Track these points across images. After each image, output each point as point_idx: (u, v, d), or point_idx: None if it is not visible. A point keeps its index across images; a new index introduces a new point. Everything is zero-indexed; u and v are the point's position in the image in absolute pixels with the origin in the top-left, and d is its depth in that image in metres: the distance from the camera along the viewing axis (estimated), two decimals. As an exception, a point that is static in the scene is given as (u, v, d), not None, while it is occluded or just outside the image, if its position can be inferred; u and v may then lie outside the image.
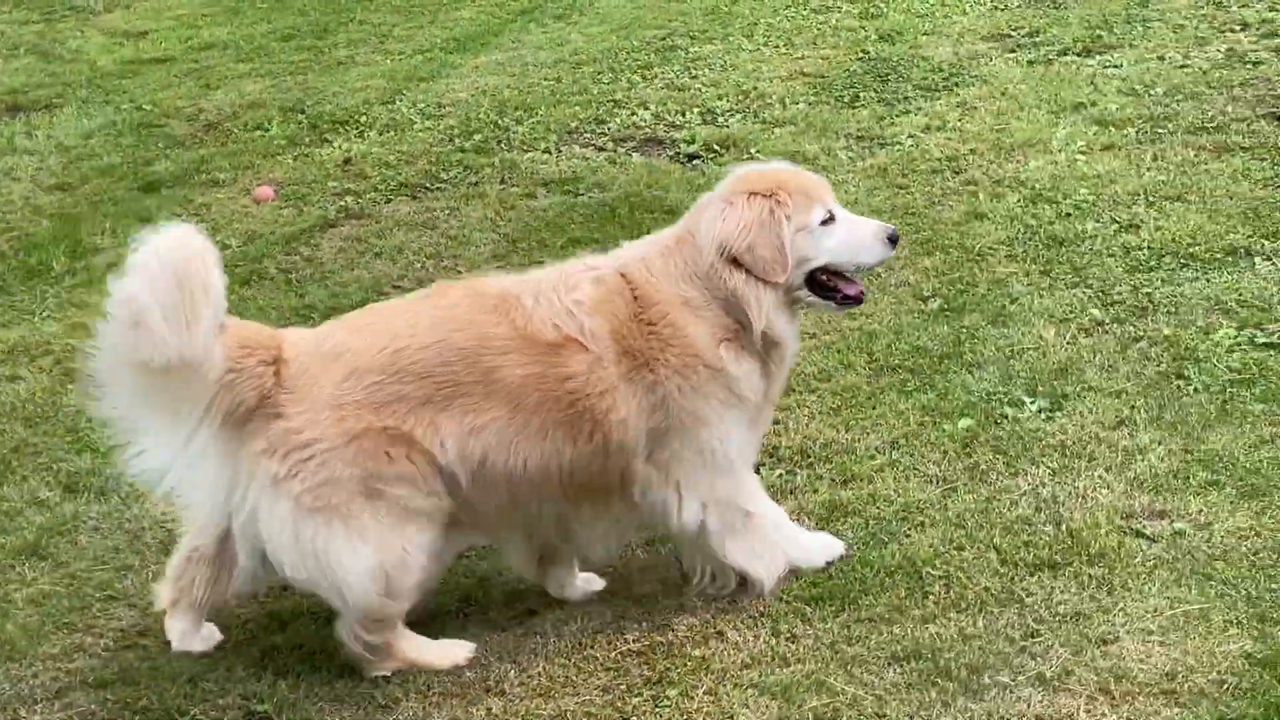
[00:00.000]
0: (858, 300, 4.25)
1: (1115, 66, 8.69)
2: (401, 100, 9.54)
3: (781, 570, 4.26)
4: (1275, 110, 7.54)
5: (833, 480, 4.82)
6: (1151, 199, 6.63)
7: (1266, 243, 6.04)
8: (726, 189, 4.17)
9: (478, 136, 8.67)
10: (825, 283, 4.18)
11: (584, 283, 4.05)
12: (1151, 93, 8.10)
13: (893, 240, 4.18)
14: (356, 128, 9.03)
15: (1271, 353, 5.18)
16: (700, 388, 4.02)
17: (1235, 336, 5.32)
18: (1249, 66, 8.34)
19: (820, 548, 4.37)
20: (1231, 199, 6.52)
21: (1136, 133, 7.51)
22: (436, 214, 7.55)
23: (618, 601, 4.34)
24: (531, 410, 3.90)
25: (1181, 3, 9.90)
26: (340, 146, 8.69)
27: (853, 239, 4.14)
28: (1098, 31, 9.44)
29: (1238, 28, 9.18)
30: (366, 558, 3.83)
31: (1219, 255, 6.00)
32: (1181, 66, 8.54)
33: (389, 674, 4.06)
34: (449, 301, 4.03)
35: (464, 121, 8.97)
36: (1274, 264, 5.85)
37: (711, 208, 4.12)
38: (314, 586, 3.94)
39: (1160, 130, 7.51)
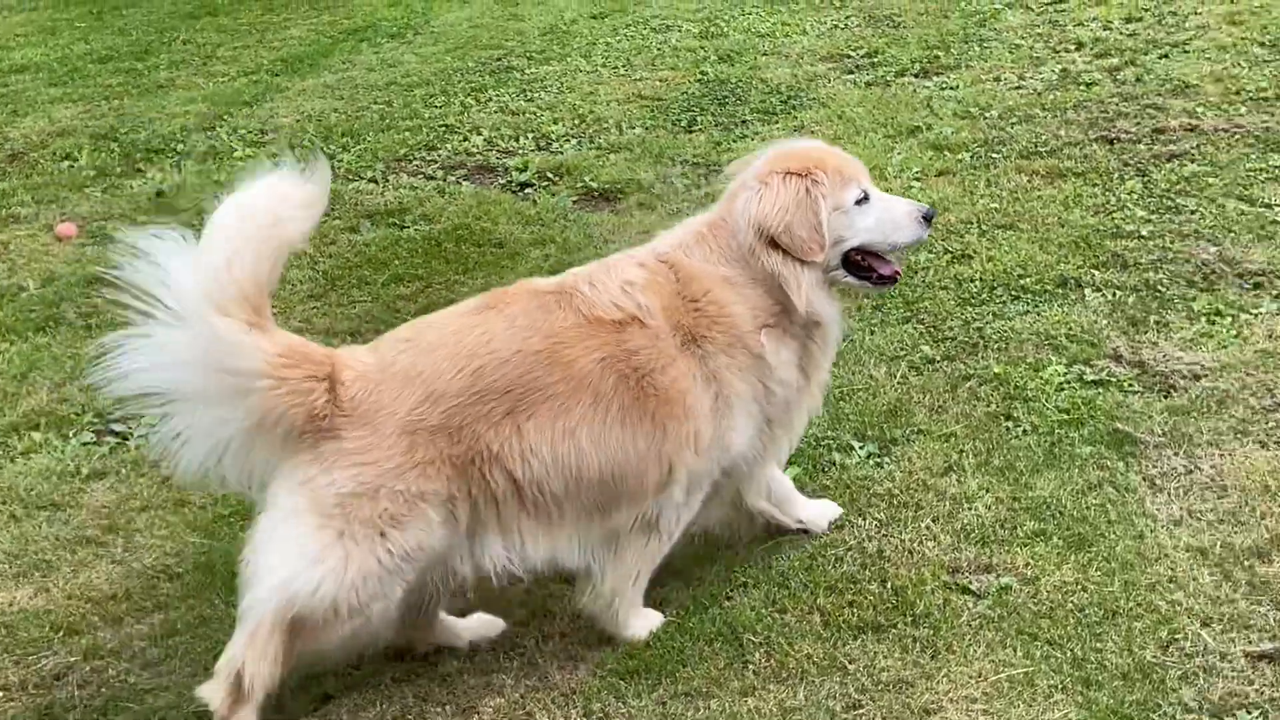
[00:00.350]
0: (893, 280, 4.21)
1: (952, 88, 8.64)
2: (222, 126, 9.13)
3: (627, 630, 4.12)
4: (1107, 134, 7.51)
5: (653, 538, 4.57)
6: (984, 227, 6.53)
7: (1097, 273, 5.96)
8: (761, 169, 4.09)
9: (300, 165, 8.28)
10: (860, 263, 4.15)
11: (629, 267, 4.02)
12: (986, 116, 8.06)
13: (928, 219, 4.15)
14: (173, 156, 8.60)
15: (1100, 391, 5.07)
16: (742, 370, 3.98)
17: (1064, 374, 5.21)
18: (1083, 88, 8.34)
19: (646, 622, 4.17)
20: (1063, 226, 6.45)
21: (971, 157, 7.44)
22: (252, 250, 7.15)
23: (420, 682, 4.04)
24: (611, 395, 3.81)
25: (1018, 22, 9.94)
26: (154, 177, 8.26)
27: (887, 219, 4.11)
28: (935, 52, 9.40)
29: (1073, 47, 9.20)
30: (325, 577, 3.57)
31: (1050, 287, 5.90)
32: (1017, 88, 8.51)
33: None
34: (515, 310, 3.87)
35: (287, 148, 8.58)
36: (1104, 295, 5.77)
37: (746, 189, 4.07)
38: (246, 576, 3.64)
39: (994, 155, 7.44)
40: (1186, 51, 8.72)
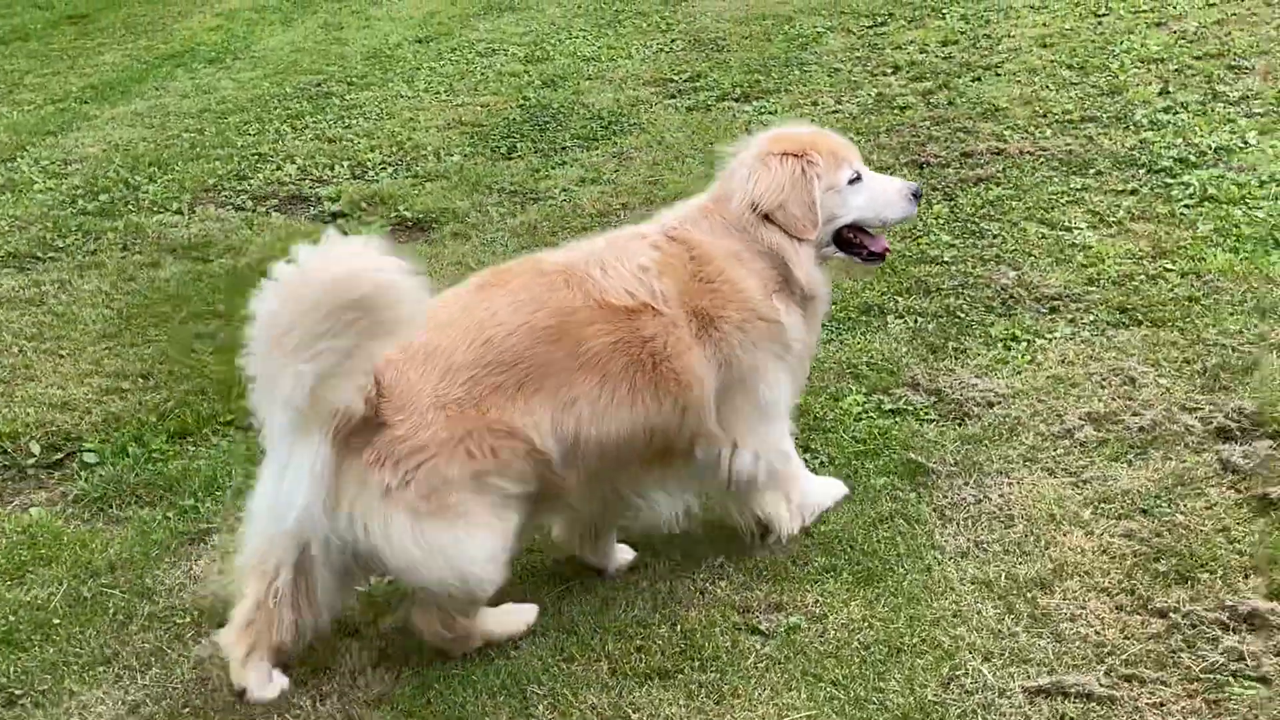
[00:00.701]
0: (882, 256, 4.43)
1: (771, 113, 8.67)
2: (23, 157, 8.78)
3: (807, 519, 4.47)
4: (918, 157, 7.59)
5: (442, 586, 4.44)
6: (793, 254, 6.51)
7: (900, 299, 5.99)
8: (758, 150, 4.31)
9: (103, 197, 8.00)
10: (851, 239, 4.38)
11: (643, 249, 4.16)
12: (803, 140, 8.07)
13: (917, 196, 4.40)
14: (-34, 190, 8.23)
15: (896, 420, 5.07)
16: (758, 341, 4.18)
17: (863, 403, 5.21)
18: (896, 111, 8.43)
19: (829, 490, 4.60)
20: (870, 252, 6.47)
21: (785, 183, 7.43)
22: (45, 288, 6.87)
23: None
24: (619, 376, 3.97)
25: (838, 45, 10.03)
26: (-56, 213, 7.89)
27: (878, 197, 4.35)
28: (757, 76, 9.43)
29: (890, 71, 9.31)
30: (487, 544, 3.83)
31: (854, 314, 5.91)
32: (834, 112, 8.57)
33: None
34: (519, 285, 4.01)
35: (90, 180, 8.28)
36: (906, 322, 5.79)
37: (744, 168, 4.28)
38: (439, 584, 3.83)
39: (808, 180, 7.45)
40: (998, 74, 8.87)
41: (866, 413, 5.15)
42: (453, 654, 4.06)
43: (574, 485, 4.03)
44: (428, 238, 7.31)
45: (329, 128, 9.13)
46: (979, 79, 8.83)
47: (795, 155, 4.24)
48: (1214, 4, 9.77)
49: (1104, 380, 5.14)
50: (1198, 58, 8.66)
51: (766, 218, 4.20)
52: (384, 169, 8.30)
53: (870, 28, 10.46)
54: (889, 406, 5.17)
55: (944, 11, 10.59)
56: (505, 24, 11.56)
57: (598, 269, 4.05)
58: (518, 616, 4.20)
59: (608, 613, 4.23)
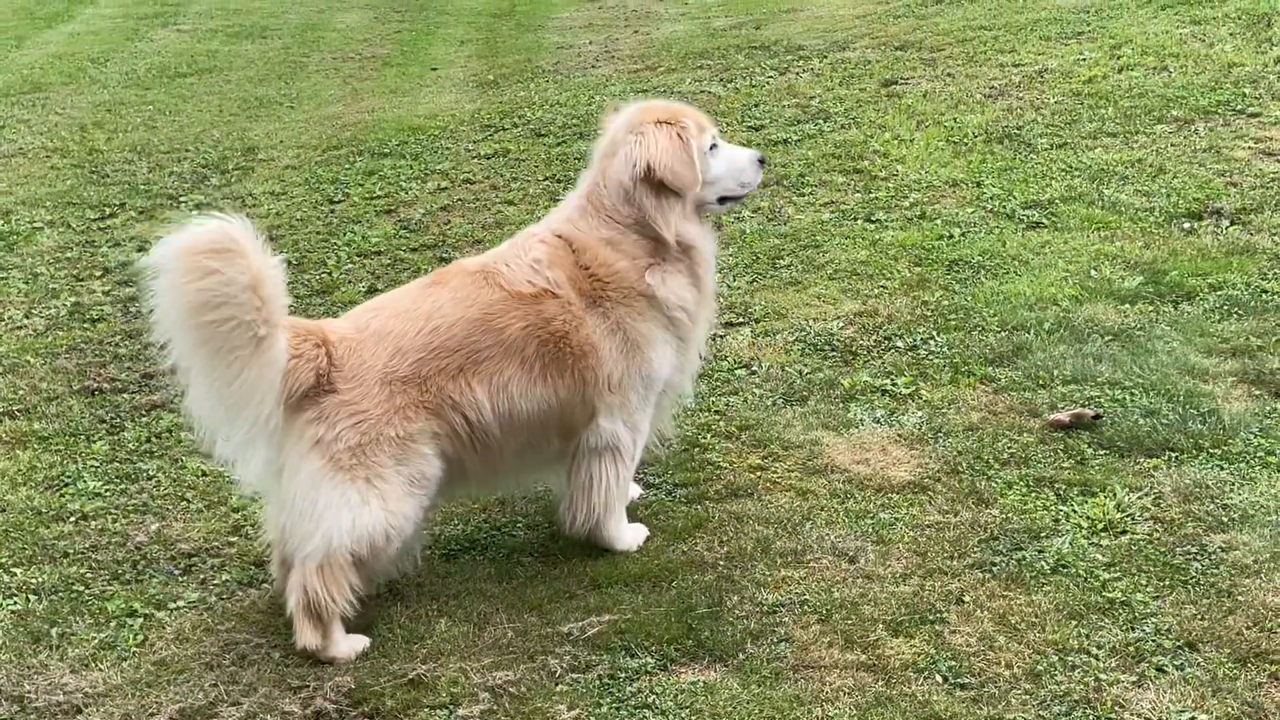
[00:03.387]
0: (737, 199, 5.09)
1: (-54, 335, 7.62)
2: None
3: (591, 521, 4.89)
4: (94, 383, 6.80)
5: None
6: (-94, 523, 5.53)
7: (18, 573, 5.12)
8: (630, 121, 4.80)
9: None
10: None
11: (534, 246, 4.72)
12: (-26, 370, 7.10)
13: (761, 163, 4.98)
14: None
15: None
16: (643, 313, 4.72)
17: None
18: (89, 324, 7.66)
19: (634, 534, 5.00)
20: (2, 512, 5.60)
21: (-72, 426, 6.44)
22: None
23: None
24: (534, 357, 4.56)
25: (51, 244, 9.19)
26: None
27: (734, 163, 4.93)
28: (-62, 288, 8.34)
29: (99, 274, 8.54)
30: (376, 514, 4.34)
31: (-50, 601, 5.00)
32: (18, 328, 7.66)
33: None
34: (455, 284, 4.61)
35: None
36: (16, 603, 4.92)
37: (624, 144, 4.74)
38: (301, 535, 4.35)
39: (-42, 424, 6.49)
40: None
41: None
42: (296, 638, 4.45)
43: (507, 457, 4.64)
44: None
45: None
46: (190, 281, 8.24)
47: (669, 122, 4.74)
48: (444, 189, 9.84)
49: (215, 660, 4.57)
50: (414, 249, 8.59)
51: (657, 184, 4.65)
52: None
53: (96, 220, 9.66)
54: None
55: (181, 200, 10.00)
56: None
57: (505, 265, 4.64)
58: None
59: None
